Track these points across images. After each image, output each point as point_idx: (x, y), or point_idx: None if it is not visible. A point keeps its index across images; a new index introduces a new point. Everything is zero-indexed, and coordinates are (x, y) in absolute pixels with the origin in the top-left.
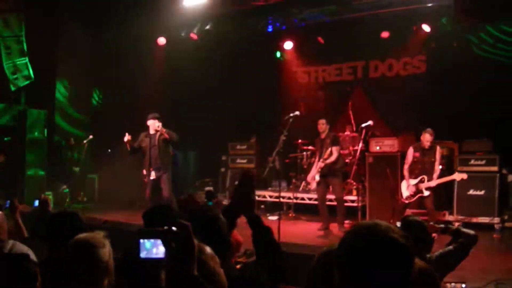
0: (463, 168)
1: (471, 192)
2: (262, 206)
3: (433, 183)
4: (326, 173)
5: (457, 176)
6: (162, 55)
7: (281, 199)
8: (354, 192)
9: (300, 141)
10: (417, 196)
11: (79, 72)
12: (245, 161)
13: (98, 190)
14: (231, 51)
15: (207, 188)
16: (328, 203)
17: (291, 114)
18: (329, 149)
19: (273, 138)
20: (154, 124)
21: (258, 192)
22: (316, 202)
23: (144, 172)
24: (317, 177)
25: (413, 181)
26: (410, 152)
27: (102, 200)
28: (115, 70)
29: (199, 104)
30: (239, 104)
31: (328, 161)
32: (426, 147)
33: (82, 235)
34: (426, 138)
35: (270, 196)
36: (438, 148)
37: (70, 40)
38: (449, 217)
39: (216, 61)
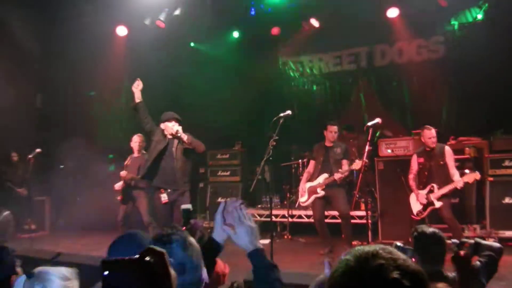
0: (496, 171)
1: (507, 200)
2: None
3: (444, 190)
4: (330, 184)
5: (468, 178)
6: (122, 48)
7: (274, 218)
8: (362, 206)
9: (294, 146)
10: (428, 210)
11: (20, 71)
12: (228, 173)
13: (49, 215)
14: (206, 39)
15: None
16: (329, 220)
17: (281, 114)
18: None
19: (261, 144)
20: (171, 128)
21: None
22: None
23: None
24: (320, 191)
25: (422, 192)
26: (414, 159)
27: (54, 227)
28: (63, 67)
29: (170, 105)
30: (217, 104)
31: (344, 174)
32: (432, 145)
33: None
34: (427, 135)
35: (260, 215)
36: (446, 148)
37: (9, 30)
38: (481, 232)
39: (190, 52)
